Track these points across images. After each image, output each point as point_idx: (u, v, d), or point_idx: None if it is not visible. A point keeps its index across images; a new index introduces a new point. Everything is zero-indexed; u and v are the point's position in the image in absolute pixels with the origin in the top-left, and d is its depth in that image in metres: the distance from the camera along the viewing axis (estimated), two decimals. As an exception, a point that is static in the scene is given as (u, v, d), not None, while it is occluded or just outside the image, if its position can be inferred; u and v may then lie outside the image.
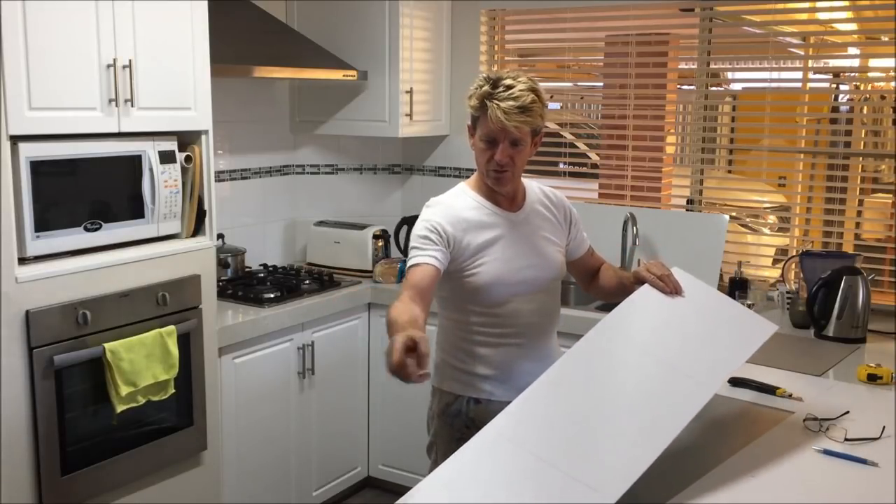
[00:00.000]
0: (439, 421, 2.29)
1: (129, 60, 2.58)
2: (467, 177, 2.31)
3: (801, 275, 3.22)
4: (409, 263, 2.12)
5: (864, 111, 3.66)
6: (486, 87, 2.07)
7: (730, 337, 2.09)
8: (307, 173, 4.18)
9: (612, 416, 1.82)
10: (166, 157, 2.76)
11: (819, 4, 3.59)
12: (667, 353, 1.98)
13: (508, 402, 2.20)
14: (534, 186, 2.32)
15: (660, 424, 1.75)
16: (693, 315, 2.15)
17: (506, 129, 2.05)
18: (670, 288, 2.16)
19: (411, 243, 2.17)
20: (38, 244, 2.43)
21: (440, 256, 2.09)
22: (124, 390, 2.57)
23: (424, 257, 2.08)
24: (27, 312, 2.38)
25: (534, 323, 2.23)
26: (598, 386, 1.91)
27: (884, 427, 2.01)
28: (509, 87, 2.05)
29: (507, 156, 2.09)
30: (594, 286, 2.47)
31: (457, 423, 2.24)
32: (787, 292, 3.27)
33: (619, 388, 1.91)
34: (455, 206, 2.19)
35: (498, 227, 2.19)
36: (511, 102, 2.03)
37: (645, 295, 2.16)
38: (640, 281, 2.22)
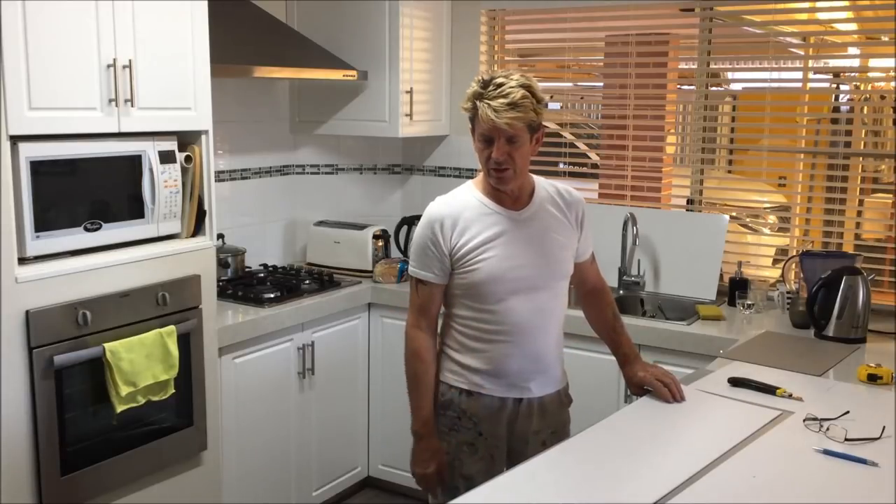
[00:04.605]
0: (435, 411, 2.32)
1: (129, 60, 2.58)
2: (468, 177, 2.33)
3: (801, 275, 3.22)
4: (413, 274, 2.25)
5: (864, 111, 3.66)
6: (477, 88, 2.11)
7: (733, 427, 2.10)
8: (307, 173, 4.18)
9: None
10: (166, 157, 2.76)
11: (819, 4, 3.59)
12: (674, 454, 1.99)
13: (499, 398, 2.25)
14: (546, 185, 2.31)
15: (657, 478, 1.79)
16: (699, 421, 2.18)
17: (497, 126, 2.07)
18: (678, 396, 2.24)
19: (414, 249, 2.26)
20: (38, 244, 2.43)
21: (439, 269, 2.21)
22: (124, 390, 2.57)
23: (425, 274, 2.22)
24: (27, 312, 2.38)
25: (531, 322, 2.23)
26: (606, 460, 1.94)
27: (884, 427, 2.01)
28: (499, 86, 2.08)
29: (504, 153, 2.10)
30: (587, 307, 2.49)
31: (449, 413, 2.28)
32: (787, 292, 3.27)
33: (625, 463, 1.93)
34: (456, 205, 2.22)
35: (497, 226, 2.20)
36: (501, 100, 2.05)
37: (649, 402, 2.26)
38: (639, 384, 2.32)
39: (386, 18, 3.77)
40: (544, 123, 2.19)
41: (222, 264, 3.55)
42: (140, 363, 2.61)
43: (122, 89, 2.57)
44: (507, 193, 2.21)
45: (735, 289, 3.39)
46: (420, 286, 2.24)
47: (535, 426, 2.28)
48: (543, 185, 2.31)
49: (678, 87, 3.96)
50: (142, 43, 2.62)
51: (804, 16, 3.71)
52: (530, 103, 2.08)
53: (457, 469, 2.26)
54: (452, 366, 2.28)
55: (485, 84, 2.10)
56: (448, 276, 2.21)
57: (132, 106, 2.61)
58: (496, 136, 2.09)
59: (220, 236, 3.50)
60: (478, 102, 2.09)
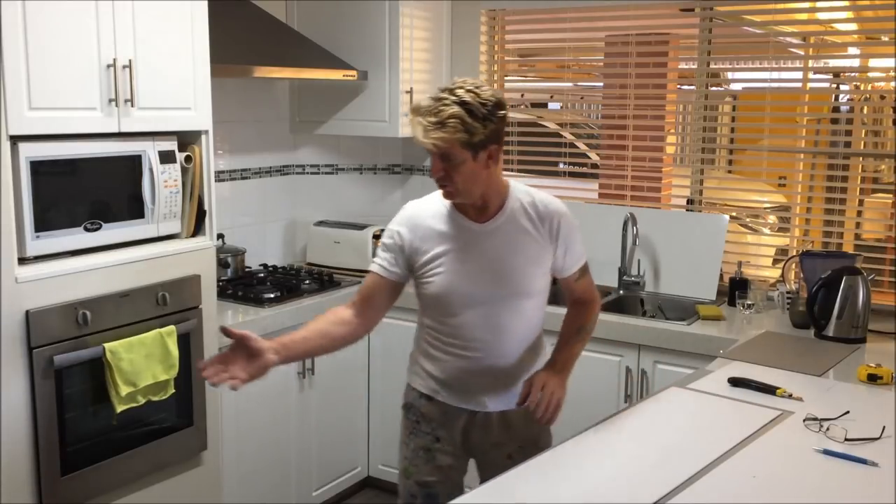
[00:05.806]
0: (402, 411, 2.34)
1: (129, 60, 2.58)
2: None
3: (801, 275, 3.22)
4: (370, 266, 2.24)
5: (864, 111, 3.66)
6: (421, 100, 2.03)
7: (733, 427, 2.09)
8: (307, 173, 4.18)
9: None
10: (166, 157, 2.76)
11: (819, 4, 3.59)
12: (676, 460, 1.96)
13: (455, 407, 2.22)
14: (522, 195, 2.17)
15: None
16: (699, 421, 2.17)
17: (424, 144, 1.99)
18: (539, 414, 2.09)
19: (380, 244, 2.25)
20: (38, 244, 2.43)
21: (389, 264, 2.17)
22: (124, 390, 2.57)
23: (375, 265, 2.20)
24: (27, 312, 2.38)
25: (485, 338, 2.15)
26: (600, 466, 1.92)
27: (884, 427, 2.01)
28: (439, 100, 1.97)
29: (440, 170, 2.01)
30: (569, 312, 2.33)
31: (410, 415, 2.29)
32: (787, 292, 3.27)
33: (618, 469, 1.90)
34: (422, 213, 2.19)
35: (457, 239, 2.13)
36: (430, 118, 1.95)
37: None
38: (529, 382, 2.14)
39: (386, 18, 3.77)
40: (507, 132, 2.10)
41: (222, 264, 3.55)
42: (140, 363, 2.61)
43: (122, 89, 2.57)
44: (471, 205, 2.12)
45: (735, 289, 3.39)
46: (368, 275, 2.21)
47: (496, 439, 2.22)
48: (519, 195, 2.16)
49: (678, 87, 3.96)
50: (142, 43, 2.62)
51: (804, 16, 3.71)
52: (458, 124, 1.93)
53: (413, 475, 2.26)
54: (417, 369, 2.29)
55: (431, 97, 2.00)
56: (396, 276, 2.17)
57: (132, 106, 2.61)
58: (432, 153, 2.01)
59: (220, 236, 3.50)
60: (413, 116, 2.01)
